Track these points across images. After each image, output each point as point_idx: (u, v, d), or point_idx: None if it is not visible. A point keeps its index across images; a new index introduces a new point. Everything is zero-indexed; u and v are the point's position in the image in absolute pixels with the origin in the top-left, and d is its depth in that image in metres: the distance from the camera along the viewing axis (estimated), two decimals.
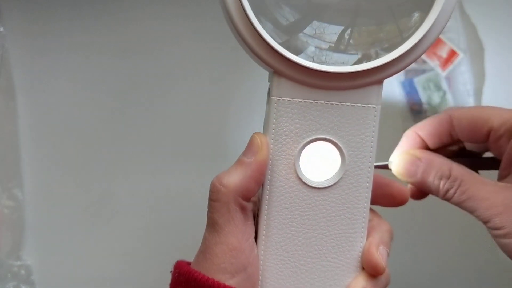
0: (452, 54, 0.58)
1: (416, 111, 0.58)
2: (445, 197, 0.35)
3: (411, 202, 0.37)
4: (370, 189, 0.32)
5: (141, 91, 0.58)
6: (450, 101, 0.58)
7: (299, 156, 0.31)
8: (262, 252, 0.31)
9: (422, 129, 0.37)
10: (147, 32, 0.58)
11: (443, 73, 0.58)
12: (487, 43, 0.58)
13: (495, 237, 0.34)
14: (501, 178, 0.35)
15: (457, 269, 0.58)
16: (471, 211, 0.34)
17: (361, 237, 0.32)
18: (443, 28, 0.30)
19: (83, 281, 0.57)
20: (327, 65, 0.29)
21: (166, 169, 0.58)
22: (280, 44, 0.29)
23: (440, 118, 0.37)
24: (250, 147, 0.31)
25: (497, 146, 0.35)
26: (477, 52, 0.58)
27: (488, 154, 0.39)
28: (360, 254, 0.32)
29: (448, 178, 0.35)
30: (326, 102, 0.30)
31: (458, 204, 0.35)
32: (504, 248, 0.34)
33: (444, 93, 0.58)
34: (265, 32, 0.29)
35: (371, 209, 0.33)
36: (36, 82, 0.57)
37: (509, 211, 0.33)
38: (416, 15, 0.29)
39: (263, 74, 0.32)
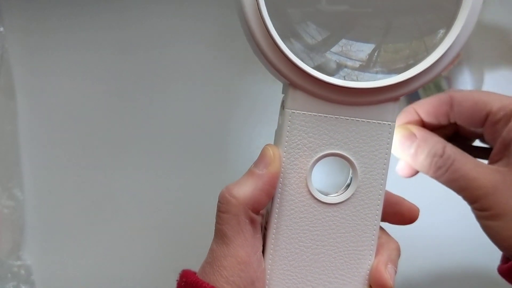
0: None
1: None
2: (436, 174, 0.35)
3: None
4: (381, 207, 0.31)
5: (142, 91, 0.58)
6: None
7: (311, 170, 0.31)
8: (269, 266, 0.31)
9: (421, 107, 0.37)
10: (149, 31, 0.58)
11: (443, 73, 0.58)
12: (487, 43, 0.58)
13: (481, 218, 0.35)
14: (492, 162, 0.36)
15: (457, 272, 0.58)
16: (460, 190, 0.35)
17: (370, 255, 0.32)
18: (463, 47, 0.30)
19: (83, 281, 0.57)
20: (344, 79, 0.29)
21: (167, 169, 0.58)
22: (298, 56, 0.29)
23: (440, 98, 0.37)
24: (262, 158, 0.30)
25: (493, 131, 0.35)
26: (476, 53, 0.58)
27: (477, 143, 0.39)
28: (368, 272, 0.32)
29: (441, 156, 0.35)
30: (341, 117, 0.30)
31: (448, 183, 0.35)
32: (489, 231, 0.34)
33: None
34: (284, 44, 0.28)
35: (380, 227, 0.32)
36: (36, 82, 0.57)
37: (498, 193, 0.34)
38: (442, 31, 0.29)
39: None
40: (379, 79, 0.29)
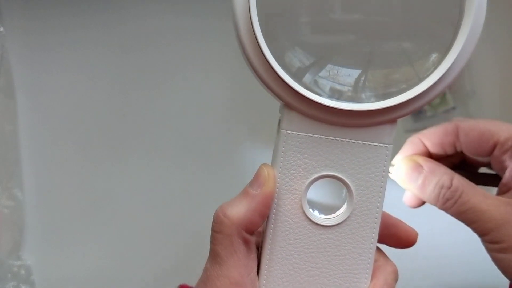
0: None
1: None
2: (444, 206, 0.35)
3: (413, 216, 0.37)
4: (377, 229, 0.31)
5: (142, 91, 0.58)
6: (450, 101, 0.58)
7: (306, 192, 0.30)
8: (263, 287, 0.31)
9: (427, 137, 0.37)
10: (150, 30, 0.58)
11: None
12: (486, 43, 0.58)
13: (492, 251, 0.34)
14: (501, 193, 0.35)
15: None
16: (470, 223, 0.34)
17: (366, 278, 0.31)
18: (463, 69, 0.29)
19: (83, 281, 0.57)
20: (340, 101, 0.29)
21: (167, 169, 0.58)
22: (292, 78, 0.28)
23: (446, 128, 0.37)
24: (257, 178, 0.30)
25: (501, 161, 0.35)
26: (477, 52, 0.58)
27: (483, 170, 0.39)
28: None
29: (449, 188, 0.34)
30: (336, 138, 0.30)
31: (457, 215, 0.35)
32: (500, 263, 0.34)
33: (444, 94, 0.58)
34: (278, 65, 0.28)
35: (377, 248, 0.32)
36: (36, 82, 0.57)
37: (509, 225, 0.33)
38: (434, 55, 0.29)
39: None
40: (374, 101, 0.29)
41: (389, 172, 0.31)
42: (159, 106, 0.58)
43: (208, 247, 0.31)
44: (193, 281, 0.58)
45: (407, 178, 0.36)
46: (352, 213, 0.30)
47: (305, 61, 0.29)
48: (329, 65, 0.29)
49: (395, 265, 0.33)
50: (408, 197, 0.38)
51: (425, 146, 0.37)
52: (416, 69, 0.29)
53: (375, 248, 0.31)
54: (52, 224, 0.57)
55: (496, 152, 0.35)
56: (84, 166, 0.58)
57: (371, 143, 0.30)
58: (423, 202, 0.37)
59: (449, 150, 0.37)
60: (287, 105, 0.30)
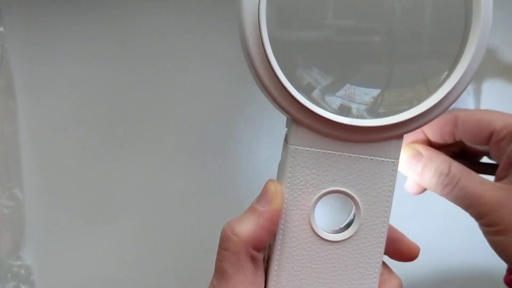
0: None
1: None
2: (443, 192, 0.36)
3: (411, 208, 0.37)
4: (384, 244, 0.31)
5: (143, 91, 0.58)
6: None
7: (314, 207, 0.30)
8: None
9: (427, 126, 0.38)
10: (152, 30, 0.57)
11: None
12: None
13: (488, 234, 0.36)
14: (498, 179, 0.37)
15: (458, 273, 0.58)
16: (467, 207, 0.36)
17: None
18: (467, 85, 0.29)
19: (83, 281, 0.57)
20: (350, 118, 0.29)
21: (167, 169, 0.58)
22: (301, 93, 0.28)
23: (446, 118, 0.38)
24: (265, 195, 0.30)
25: (497, 149, 0.36)
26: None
27: (484, 160, 0.39)
28: None
29: (447, 174, 0.36)
30: (344, 153, 0.30)
31: (455, 200, 0.36)
32: (496, 246, 0.35)
33: None
34: (287, 80, 0.28)
35: (382, 262, 0.32)
36: (36, 82, 0.57)
37: (504, 209, 0.34)
38: (445, 73, 0.29)
39: None
40: (382, 117, 0.29)
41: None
42: (160, 107, 0.58)
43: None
44: (193, 281, 0.58)
45: (407, 165, 0.37)
46: (359, 228, 0.31)
47: (321, 81, 0.29)
48: (347, 85, 0.29)
49: (399, 278, 0.33)
50: (410, 184, 0.39)
51: (425, 134, 0.38)
52: (429, 85, 0.29)
53: (381, 262, 0.31)
54: (52, 224, 0.57)
55: (493, 140, 0.36)
56: (84, 166, 0.58)
57: (378, 158, 0.30)
58: (424, 189, 0.38)
59: (448, 139, 0.38)
60: (295, 120, 0.29)
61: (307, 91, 0.29)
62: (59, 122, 0.57)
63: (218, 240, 0.30)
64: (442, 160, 0.36)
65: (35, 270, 0.56)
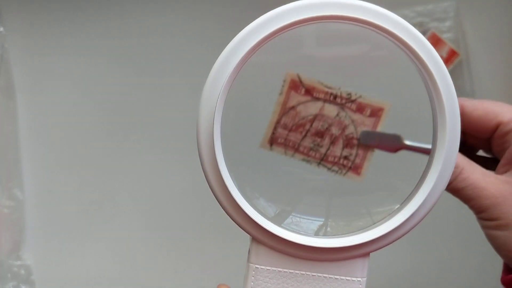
0: (452, 54, 0.58)
1: None
2: None
3: None
4: None
5: (141, 91, 0.58)
6: None
7: None
8: None
9: None
10: (150, 32, 0.57)
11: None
12: (487, 43, 0.58)
13: (487, 228, 0.35)
14: (499, 173, 0.36)
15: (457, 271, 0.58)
16: (468, 200, 0.35)
17: None
18: (438, 199, 0.29)
19: (83, 281, 0.57)
20: (308, 237, 0.28)
21: (167, 169, 0.58)
22: (260, 213, 0.28)
23: None
24: None
25: (502, 142, 0.36)
26: (477, 52, 0.58)
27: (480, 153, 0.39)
28: None
29: None
30: (307, 273, 0.29)
31: (456, 191, 0.35)
32: (495, 241, 0.35)
33: None
34: (245, 201, 0.27)
35: None
36: (36, 82, 0.57)
37: (506, 203, 0.34)
38: (396, 207, 0.29)
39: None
40: (339, 238, 0.28)
41: None
42: (159, 107, 0.58)
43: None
44: (193, 281, 0.58)
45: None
46: None
47: (268, 210, 0.29)
48: (292, 216, 0.29)
49: None
50: None
51: None
52: (374, 220, 0.29)
53: None
54: (52, 224, 0.57)
55: (498, 132, 0.36)
56: (84, 166, 0.58)
57: (343, 277, 0.29)
58: None
59: None
60: (254, 239, 0.28)
61: (263, 209, 0.29)
62: (59, 122, 0.57)
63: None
64: None
65: (35, 270, 0.56)
